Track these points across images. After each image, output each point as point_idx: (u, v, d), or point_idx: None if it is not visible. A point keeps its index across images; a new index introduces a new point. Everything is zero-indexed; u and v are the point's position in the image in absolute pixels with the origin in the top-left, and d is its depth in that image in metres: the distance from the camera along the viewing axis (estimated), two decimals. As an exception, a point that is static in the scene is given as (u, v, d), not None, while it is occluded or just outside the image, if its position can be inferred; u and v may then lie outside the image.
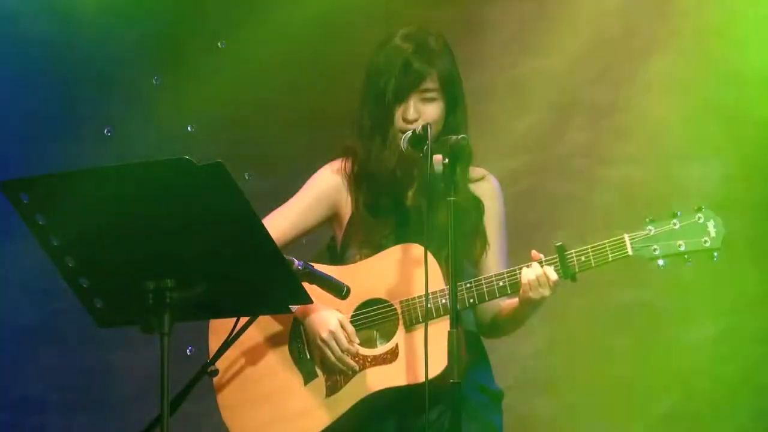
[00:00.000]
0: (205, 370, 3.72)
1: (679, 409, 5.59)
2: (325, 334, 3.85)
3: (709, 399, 5.59)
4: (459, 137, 3.69)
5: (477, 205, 3.99)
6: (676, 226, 3.76)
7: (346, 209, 4.06)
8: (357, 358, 3.86)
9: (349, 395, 3.85)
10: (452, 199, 3.60)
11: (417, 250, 3.86)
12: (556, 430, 5.67)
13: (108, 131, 6.03)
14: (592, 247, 3.76)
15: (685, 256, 3.77)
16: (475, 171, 4.04)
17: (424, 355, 3.69)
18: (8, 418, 5.94)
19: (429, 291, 3.75)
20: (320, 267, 3.83)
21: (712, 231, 3.74)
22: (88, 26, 6.09)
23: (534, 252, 3.80)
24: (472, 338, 3.91)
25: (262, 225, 3.14)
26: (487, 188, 4.04)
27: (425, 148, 3.70)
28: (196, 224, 3.10)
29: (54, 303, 5.82)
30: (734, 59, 5.69)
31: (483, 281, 3.83)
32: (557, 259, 3.77)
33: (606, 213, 5.73)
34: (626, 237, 3.77)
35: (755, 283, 5.60)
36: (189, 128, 6.00)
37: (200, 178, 3.02)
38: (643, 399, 5.63)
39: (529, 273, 3.76)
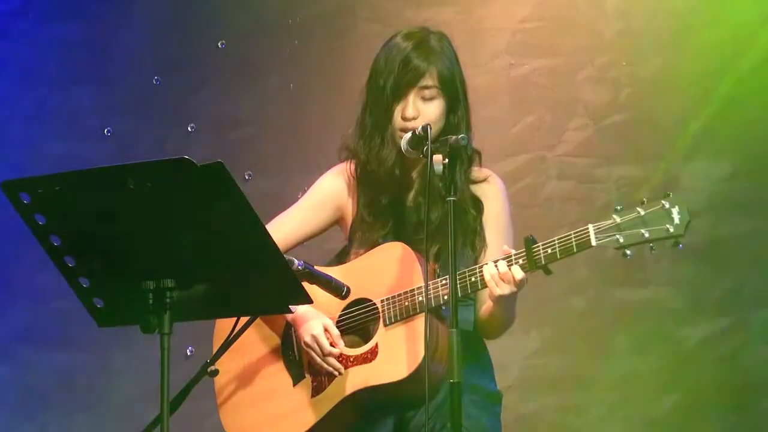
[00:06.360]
0: (205, 370, 3.73)
1: (679, 409, 5.59)
2: (308, 339, 3.88)
3: (709, 399, 5.58)
4: (459, 137, 3.66)
5: (476, 205, 3.98)
6: (641, 214, 3.62)
7: (351, 211, 4.06)
8: (341, 359, 3.88)
9: (332, 395, 3.88)
10: (452, 199, 3.58)
11: (397, 248, 3.88)
12: (556, 430, 5.67)
13: (108, 131, 6.03)
14: (558, 239, 3.68)
15: (650, 244, 3.61)
16: (480, 171, 4.02)
17: (399, 353, 3.75)
18: (8, 417, 5.94)
19: (407, 289, 3.80)
20: (320, 267, 3.83)
21: (676, 218, 3.59)
22: (88, 26, 6.10)
23: (505, 247, 3.77)
24: (467, 338, 3.89)
25: (262, 225, 3.14)
26: (489, 189, 4.02)
27: (425, 148, 3.69)
28: (196, 224, 3.10)
29: (54, 303, 5.82)
30: (735, 58, 5.69)
31: (457, 277, 3.75)
32: (525, 253, 3.71)
33: (605, 213, 5.71)
34: (591, 227, 3.67)
35: (756, 283, 5.60)
36: (189, 128, 6.00)
37: (200, 178, 3.02)
38: (643, 399, 5.63)
39: (490, 268, 3.72)
